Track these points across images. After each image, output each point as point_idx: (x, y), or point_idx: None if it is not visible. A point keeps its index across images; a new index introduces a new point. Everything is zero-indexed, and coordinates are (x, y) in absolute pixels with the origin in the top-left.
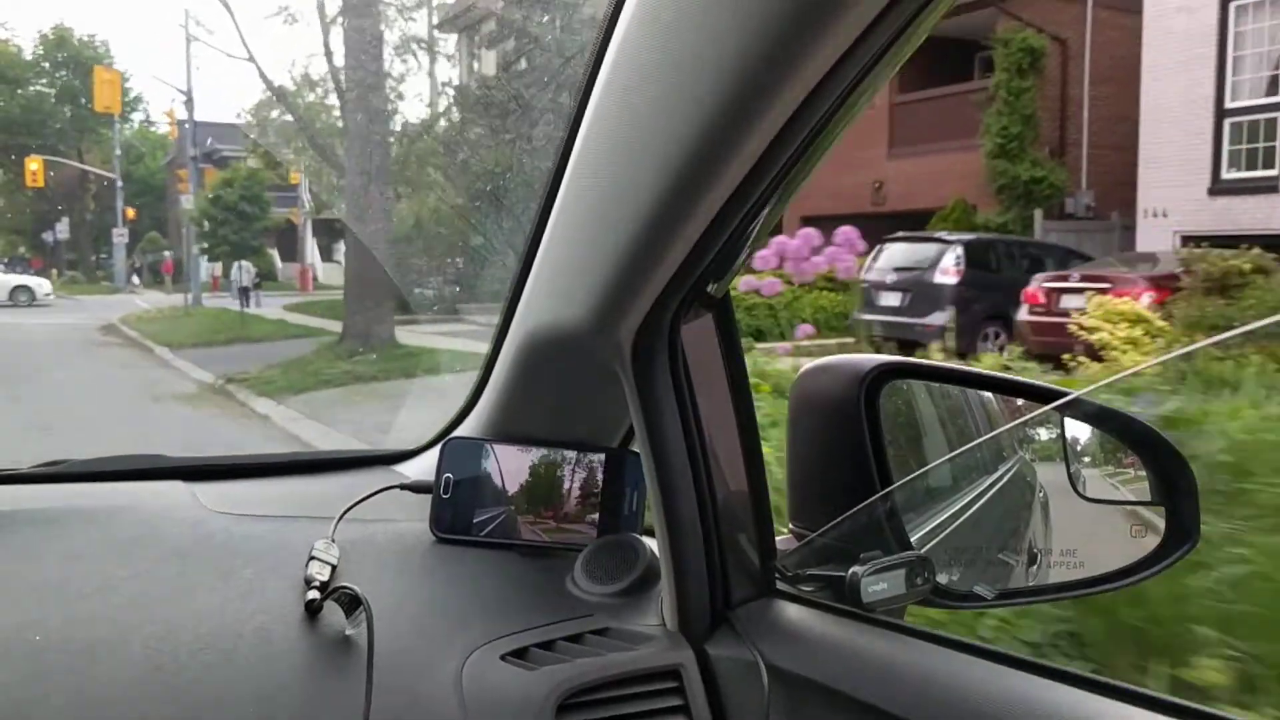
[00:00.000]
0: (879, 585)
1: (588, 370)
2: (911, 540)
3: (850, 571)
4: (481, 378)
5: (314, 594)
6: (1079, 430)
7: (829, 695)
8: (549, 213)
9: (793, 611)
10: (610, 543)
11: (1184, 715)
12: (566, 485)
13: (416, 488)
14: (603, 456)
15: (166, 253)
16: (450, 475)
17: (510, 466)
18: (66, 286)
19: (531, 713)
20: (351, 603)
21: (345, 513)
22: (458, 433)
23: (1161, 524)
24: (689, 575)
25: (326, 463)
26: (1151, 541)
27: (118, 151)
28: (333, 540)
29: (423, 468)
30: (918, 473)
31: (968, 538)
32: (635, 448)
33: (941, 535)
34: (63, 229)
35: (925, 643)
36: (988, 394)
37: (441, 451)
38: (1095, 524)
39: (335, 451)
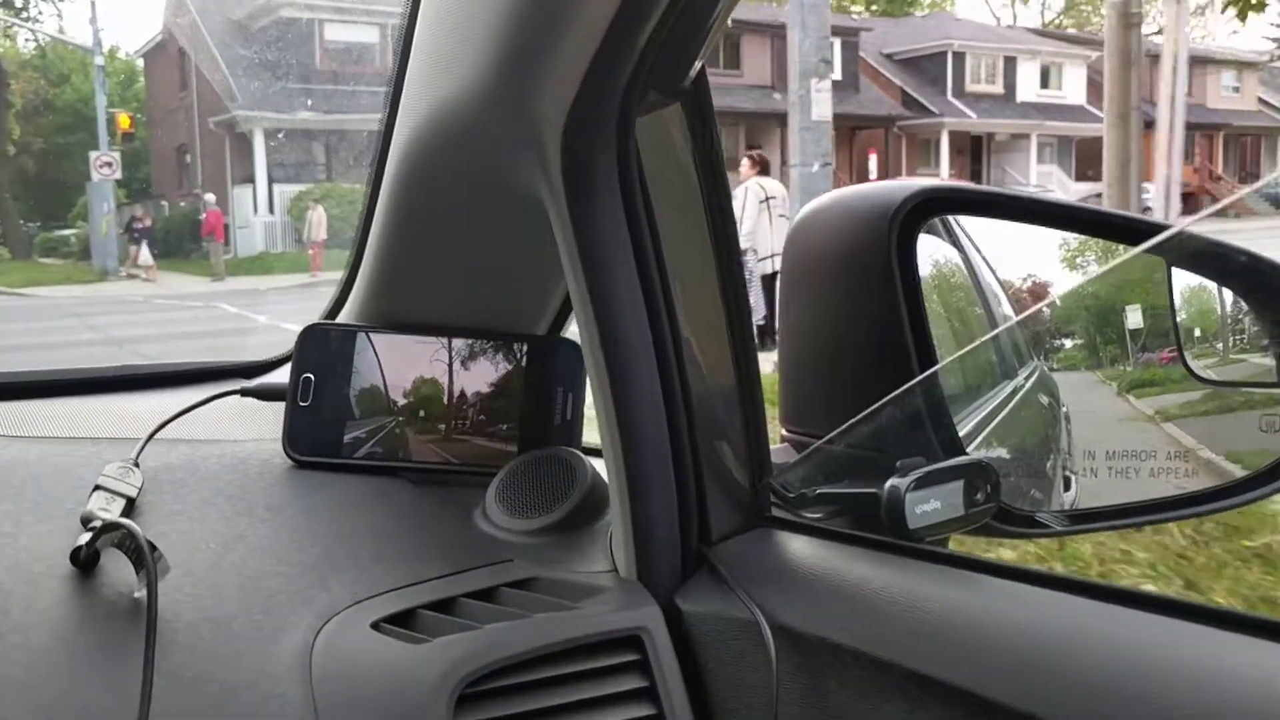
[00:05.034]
0: (930, 504)
1: (498, 206)
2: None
3: (888, 486)
4: (358, 245)
5: (86, 537)
6: (1190, 282)
7: (872, 668)
8: None
9: (800, 547)
10: (536, 460)
11: None
12: (475, 387)
13: (264, 393)
14: (524, 346)
15: (210, 196)
16: (311, 375)
17: (395, 362)
18: None
19: (418, 703)
20: (136, 551)
21: (159, 429)
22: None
23: None
24: (650, 499)
25: (164, 376)
26: None
27: None
28: (135, 465)
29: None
30: (967, 350)
31: (1023, 443)
32: (569, 334)
33: (991, 440)
34: None
35: (1014, 583)
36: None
37: (299, 343)
38: (1212, 414)
39: (180, 363)
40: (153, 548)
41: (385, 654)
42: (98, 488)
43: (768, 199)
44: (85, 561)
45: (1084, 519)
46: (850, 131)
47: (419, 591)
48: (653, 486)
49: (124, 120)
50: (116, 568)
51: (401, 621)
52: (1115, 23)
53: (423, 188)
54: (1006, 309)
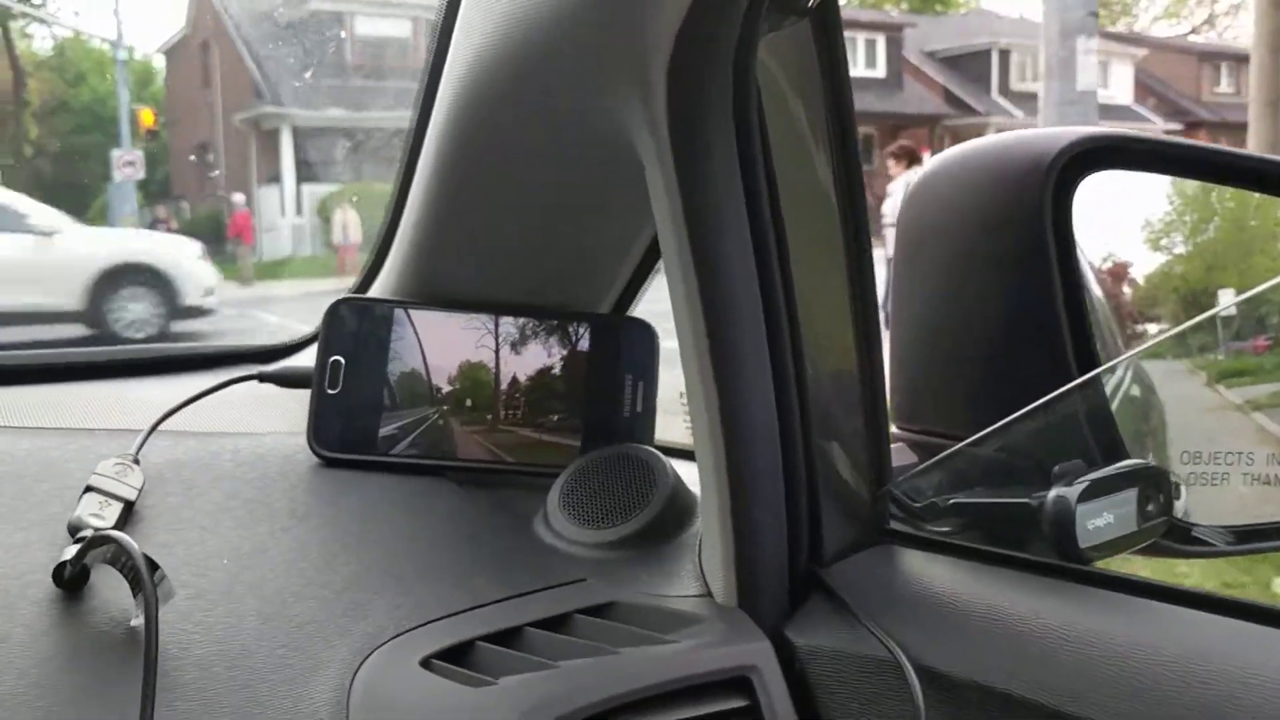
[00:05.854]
0: (1102, 518)
1: (568, 156)
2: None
3: (1053, 496)
4: (394, 209)
5: (72, 551)
6: None
7: None
8: None
9: (937, 570)
10: (605, 459)
11: None
12: (530, 373)
13: (286, 379)
14: (585, 326)
15: (238, 196)
16: (340, 358)
17: (439, 344)
18: None
19: None
20: (131, 569)
21: (163, 419)
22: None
23: None
24: (756, 508)
25: (171, 360)
26: None
27: None
28: (134, 461)
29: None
30: (1146, 347)
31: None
32: (637, 313)
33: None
34: None
35: (1220, 617)
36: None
37: (326, 321)
38: None
39: (188, 346)
40: (153, 565)
41: (440, 699)
42: (89, 489)
43: None
44: (71, 580)
45: (1251, 536)
46: (893, 130)
47: (476, 619)
48: (759, 494)
49: (147, 116)
50: (110, 587)
51: (457, 657)
52: (1267, 4)
53: (477, 136)
54: (1095, 289)
